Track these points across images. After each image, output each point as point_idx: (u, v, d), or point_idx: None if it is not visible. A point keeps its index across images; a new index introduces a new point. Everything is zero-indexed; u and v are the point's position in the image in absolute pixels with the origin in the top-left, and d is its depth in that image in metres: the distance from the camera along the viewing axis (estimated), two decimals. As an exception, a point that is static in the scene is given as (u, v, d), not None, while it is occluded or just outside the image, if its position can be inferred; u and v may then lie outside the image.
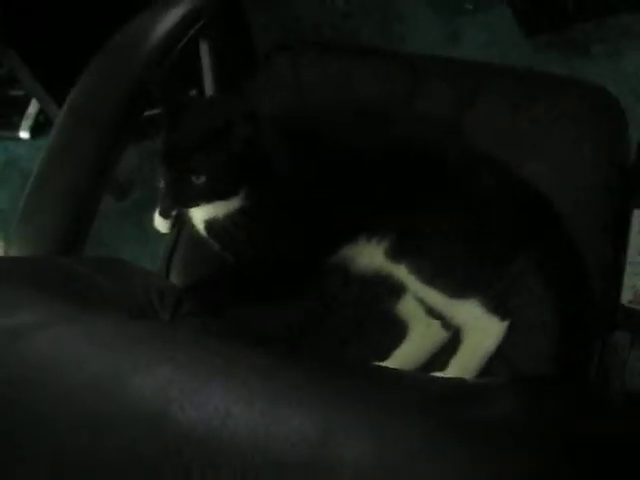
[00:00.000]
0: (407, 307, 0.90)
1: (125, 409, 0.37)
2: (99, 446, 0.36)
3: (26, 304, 0.43)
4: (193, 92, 1.34)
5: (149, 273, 0.80)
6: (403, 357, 0.88)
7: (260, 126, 0.81)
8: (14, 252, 0.80)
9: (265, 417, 0.36)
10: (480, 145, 0.96)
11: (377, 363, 0.86)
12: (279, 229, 0.88)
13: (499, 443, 0.39)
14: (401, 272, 0.87)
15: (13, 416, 0.37)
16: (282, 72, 1.08)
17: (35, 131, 1.82)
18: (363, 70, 1.08)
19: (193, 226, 0.92)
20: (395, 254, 0.87)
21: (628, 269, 0.89)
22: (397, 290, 0.89)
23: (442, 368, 0.87)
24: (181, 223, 0.99)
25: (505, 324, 0.87)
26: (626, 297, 0.89)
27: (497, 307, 0.87)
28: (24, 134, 1.81)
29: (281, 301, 0.91)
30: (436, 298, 0.87)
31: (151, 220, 1.03)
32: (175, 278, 0.95)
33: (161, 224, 1.01)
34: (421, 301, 0.89)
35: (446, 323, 0.88)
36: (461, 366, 0.86)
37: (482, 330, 0.87)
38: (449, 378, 0.80)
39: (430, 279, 0.86)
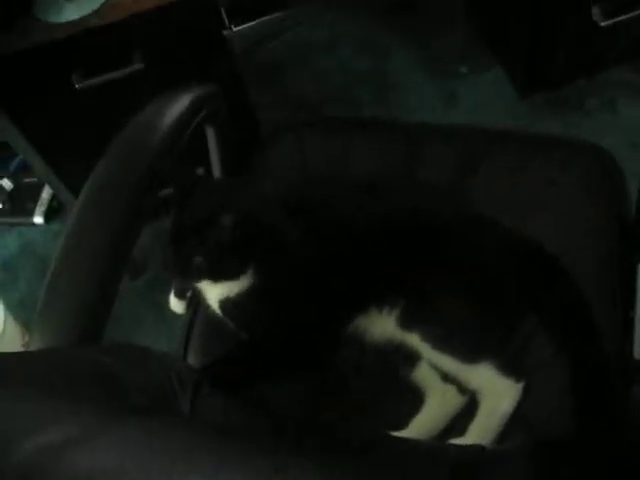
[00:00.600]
0: (422, 374, 0.91)
1: None
2: None
3: (56, 417, 0.44)
4: (201, 170, 1.38)
5: (167, 357, 0.82)
6: (421, 425, 0.88)
7: (261, 209, 0.84)
8: (36, 340, 0.81)
9: None
10: (481, 209, 0.98)
11: (394, 433, 0.87)
12: (291, 305, 0.89)
13: None
14: (413, 340, 0.89)
15: None
16: (286, 151, 1.12)
17: (49, 216, 1.86)
18: (364, 144, 1.12)
19: (208, 306, 0.94)
20: (406, 322, 0.89)
21: (638, 324, 0.90)
22: (411, 358, 0.90)
23: (461, 433, 0.87)
24: (196, 304, 1.01)
25: (521, 385, 0.87)
26: (638, 352, 0.90)
27: (511, 369, 0.88)
28: (38, 219, 1.86)
29: (297, 376, 0.93)
30: (450, 364, 0.88)
31: (167, 300, 1.05)
32: (193, 359, 0.97)
33: (177, 305, 1.03)
34: (436, 368, 0.89)
35: (462, 388, 0.89)
36: (479, 430, 0.86)
37: (498, 393, 0.87)
38: (465, 446, 0.80)
39: (442, 345, 0.87)
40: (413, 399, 0.90)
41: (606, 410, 0.85)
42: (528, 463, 0.54)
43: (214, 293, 0.91)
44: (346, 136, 1.14)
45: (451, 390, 0.89)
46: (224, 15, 1.95)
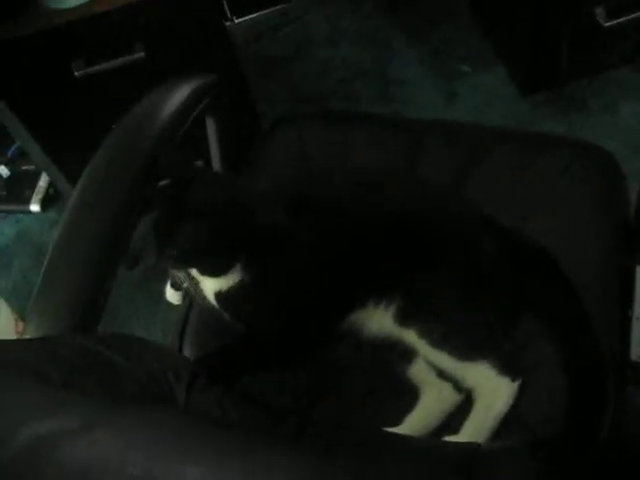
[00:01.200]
0: (419, 371, 0.90)
1: None
2: None
3: (54, 407, 0.44)
4: (200, 163, 1.37)
5: (162, 348, 0.82)
6: (415, 422, 0.88)
7: (254, 204, 0.84)
8: (32, 328, 0.81)
9: None
10: (482, 207, 0.98)
11: (389, 429, 0.86)
12: (285, 298, 0.89)
13: None
14: (410, 336, 0.88)
15: None
16: (286, 144, 1.12)
17: (45, 204, 1.86)
18: (364, 139, 1.12)
19: (204, 298, 0.93)
20: (403, 319, 0.88)
21: (635, 325, 0.90)
22: (408, 354, 0.90)
23: (455, 431, 0.86)
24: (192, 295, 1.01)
25: (516, 385, 0.87)
26: (635, 353, 0.90)
27: (508, 368, 0.87)
28: (35, 207, 1.85)
29: (293, 369, 0.92)
30: (446, 361, 0.88)
31: (162, 290, 1.05)
32: (188, 350, 0.97)
33: (173, 296, 1.03)
34: (432, 365, 0.89)
35: (458, 386, 0.89)
36: (474, 429, 0.86)
37: (494, 392, 0.87)
38: (462, 444, 0.80)
39: (439, 343, 0.87)
40: (408, 396, 0.90)
41: (602, 410, 0.85)
42: (525, 462, 0.54)
43: (209, 285, 0.91)
44: (346, 130, 1.14)
45: (447, 388, 0.89)
46: (226, 7, 1.94)
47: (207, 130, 1.09)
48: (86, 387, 0.56)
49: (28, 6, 1.26)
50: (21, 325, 1.55)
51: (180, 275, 0.92)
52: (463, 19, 1.97)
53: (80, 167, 0.91)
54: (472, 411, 0.87)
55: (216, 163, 1.15)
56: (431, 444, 0.80)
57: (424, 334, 0.87)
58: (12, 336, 1.50)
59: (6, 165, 1.91)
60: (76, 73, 1.29)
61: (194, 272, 0.89)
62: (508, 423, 0.86)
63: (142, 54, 1.31)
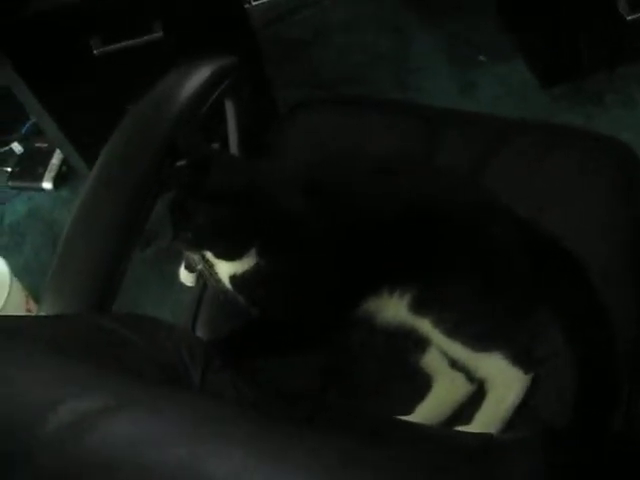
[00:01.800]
0: (431, 360, 0.90)
1: None
2: None
3: (87, 385, 0.44)
4: (215, 145, 1.37)
5: (176, 328, 0.81)
6: (427, 411, 0.88)
7: (271, 188, 0.83)
8: (46, 306, 0.81)
9: None
10: (498, 197, 0.97)
11: (401, 417, 0.86)
12: (300, 283, 0.89)
13: None
14: (424, 325, 0.88)
15: None
16: (303, 129, 1.11)
17: (58, 182, 1.86)
18: (381, 125, 1.11)
19: (219, 281, 0.93)
20: (418, 307, 0.88)
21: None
22: (421, 343, 0.90)
23: (467, 421, 0.87)
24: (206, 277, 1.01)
25: (529, 376, 0.87)
26: (650, 349, 0.89)
27: (521, 359, 0.87)
28: (47, 185, 1.85)
29: (306, 354, 0.92)
30: (459, 351, 0.88)
31: (175, 271, 1.05)
32: (200, 331, 0.97)
33: (187, 278, 1.02)
34: (445, 354, 0.89)
35: (470, 376, 0.89)
36: (486, 419, 0.86)
37: (506, 383, 0.87)
38: (475, 434, 0.80)
39: (453, 332, 0.87)
40: (421, 384, 0.90)
41: (612, 404, 0.85)
42: (537, 453, 0.54)
43: (223, 269, 0.91)
44: (363, 116, 1.13)
45: (459, 377, 0.89)
46: (244, -12, 1.93)
47: (226, 113, 1.08)
48: (102, 365, 0.56)
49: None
50: (32, 302, 1.55)
51: (195, 257, 0.92)
52: (482, 9, 1.95)
53: (94, 144, 0.91)
54: (484, 402, 0.87)
55: (233, 146, 1.14)
56: (443, 433, 0.80)
57: (438, 323, 0.87)
58: (22, 312, 1.50)
59: (20, 142, 1.91)
60: (95, 51, 1.29)
61: (209, 255, 0.89)
62: (520, 415, 0.86)
63: (160, 34, 1.30)
